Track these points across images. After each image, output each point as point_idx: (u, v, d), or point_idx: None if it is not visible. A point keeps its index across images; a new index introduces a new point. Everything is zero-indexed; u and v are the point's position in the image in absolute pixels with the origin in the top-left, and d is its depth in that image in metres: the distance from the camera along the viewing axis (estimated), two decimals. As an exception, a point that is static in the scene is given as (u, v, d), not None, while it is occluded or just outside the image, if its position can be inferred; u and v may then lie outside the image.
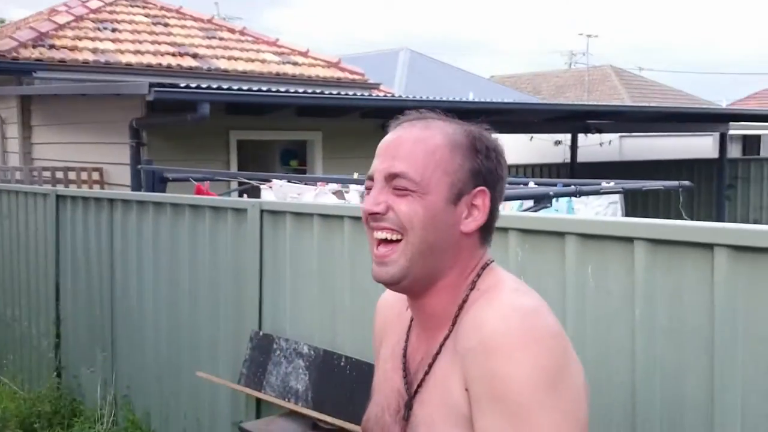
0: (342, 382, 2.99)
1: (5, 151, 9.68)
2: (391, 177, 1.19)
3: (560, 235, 2.28)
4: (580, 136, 13.19)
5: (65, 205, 5.28)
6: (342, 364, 3.02)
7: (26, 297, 5.81)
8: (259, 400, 3.48)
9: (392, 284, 1.23)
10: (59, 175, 7.53)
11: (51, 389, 5.12)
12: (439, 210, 1.19)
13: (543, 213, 3.43)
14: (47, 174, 7.56)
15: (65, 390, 5.14)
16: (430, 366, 1.21)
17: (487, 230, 1.26)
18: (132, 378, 4.61)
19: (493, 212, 1.25)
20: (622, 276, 2.12)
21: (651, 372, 2.02)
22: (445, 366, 1.18)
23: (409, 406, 1.24)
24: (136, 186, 6.49)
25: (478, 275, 1.24)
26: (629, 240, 2.09)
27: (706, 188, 12.53)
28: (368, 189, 1.24)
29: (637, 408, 2.04)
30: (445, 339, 1.21)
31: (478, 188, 1.22)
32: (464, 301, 1.21)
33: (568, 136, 13.61)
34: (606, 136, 14.80)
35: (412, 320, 1.31)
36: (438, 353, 1.21)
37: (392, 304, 1.40)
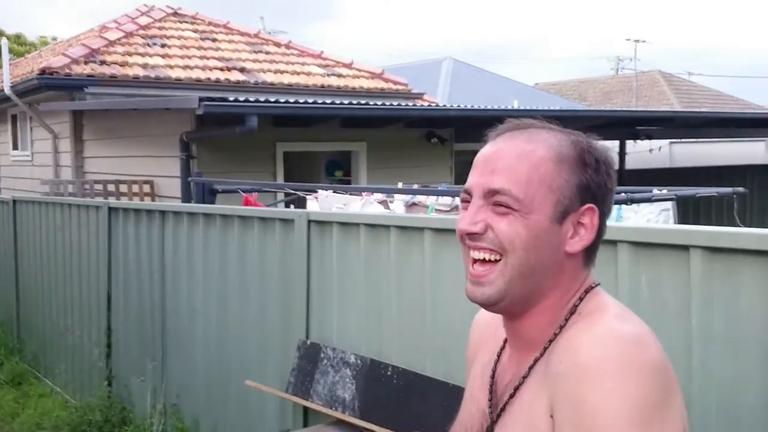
0: (389, 391, 2.98)
1: (58, 165, 9.95)
2: (490, 193, 1.10)
3: (612, 243, 2.23)
4: (629, 143, 12.99)
5: (117, 217, 5.39)
6: (389, 373, 3.01)
7: (79, 307, 5.94)
8: (306, 409, 3.49)
9: (488, 305, 1.15)
10: (111, 188, 7.69)
11: (102, 398, 5.21)
12: (542, 230, 1.10)
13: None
14: (99, 187, 7.74)
15: (116, 399, 5.23)
16: (516, 389, 1.14)
17: (592, 249, 1.17)
18: (181, 387, 4.67)
19: (600, 230, 1.15)
20: (677, 285, 2.07)
21: (708, 382, 1.97)
22: (533, 390, 1.11)
23: (490, 429, 1.18)
24: (186, 198, 6.60)
25: (581, 299, 1.14)
26: (684, 248, 2.04)
27: (759, 195, 12.22)
28: (464, 202, 1.15)
29: (693, 417, 1.98)
30: (536, 362, 1.13)
31: (586, 205, 1.12)
32: (562, 326, 1.12)
33: (616, 142, 13.42)
34: (655, 143, 14.56)
35: (506, 340, 1.24)
36: (526, 376, 1.14)
37: (488, 321, 1.32)
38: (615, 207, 3.98)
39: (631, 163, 13.33)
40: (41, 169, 10.30)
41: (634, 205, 3.95)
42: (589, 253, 1.16)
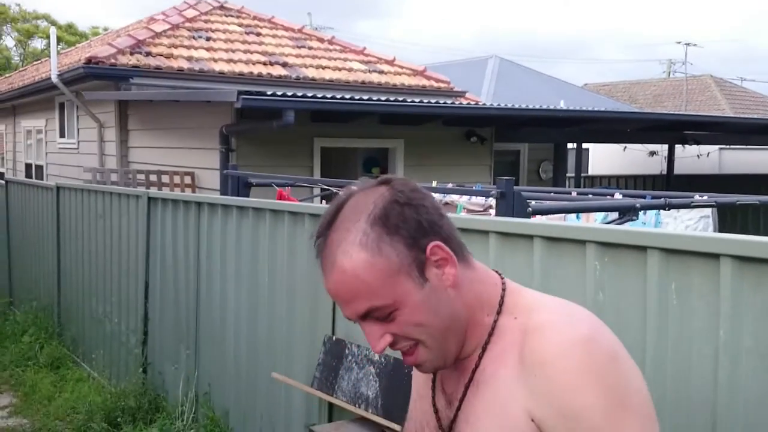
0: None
1: (103, 154, 10.13)
2: (365, 315, 1.16)
3: (642, 249, 2.18)
4: (678, 148, 12.72)
5: (156, 207, 5.46)
6: (412, 372, 2.98)
7: (117, 294, 6.04)
8: (331, 404, 3.49)
9: (442, 369, 1.23)
10: (153, 178, 7.80)
11: (136, 384, 5.29)
12: (424, 300, 1.14)
13: (628, 226, 3.30)
14: (141, 177, 7.86)
15: (150, 386, 5.31)
16: (465, 392, 1.22)
17: (459, 256, 1.20)
18: (213, 376, 4.72)
19: (453, 248, 1.17)
20: (706, 294, 2.01)
21: (734, 395, 1.90)
22: (499, 389, 1.16)
23: (449, 427, 1.24)
24: (224, 190, 6.66)
25: (502, 297, 1.21)
26: (715, 256, 1.97)
27: (811, 204, 11.84)
28: (355, 321, 1.21)
29: (718, 431, 1.92)
30: (475, 370, 1.20)
31: (428, 247, 1.14)
32: (494, 326, 1.19)
33: (664, 146, 13.16)
34: (704, 148, 14.25)
35: None
36: (470, 381, 1.21)
37: None
38: (653, 213, 3.89)
39: (678, 169, 13.07)
40: (87, 157, 10.51)
41: (674, 211, 3.85)
42: (462, 262, 1.19)
